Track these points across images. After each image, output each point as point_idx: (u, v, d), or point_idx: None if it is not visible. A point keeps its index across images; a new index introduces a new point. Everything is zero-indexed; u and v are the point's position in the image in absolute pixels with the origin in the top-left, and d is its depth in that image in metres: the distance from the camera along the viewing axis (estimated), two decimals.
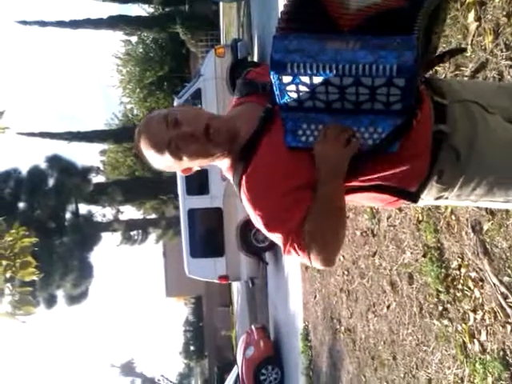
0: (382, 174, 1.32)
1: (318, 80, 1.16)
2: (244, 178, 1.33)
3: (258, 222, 1.35)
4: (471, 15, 2.59)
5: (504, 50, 2.38)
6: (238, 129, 1.36)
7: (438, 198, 1.45)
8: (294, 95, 1.22)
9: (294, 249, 1.29)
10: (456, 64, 2.78)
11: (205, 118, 1.35)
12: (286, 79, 1.18)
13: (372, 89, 1.16)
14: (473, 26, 2.59)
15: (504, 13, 2.39)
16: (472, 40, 2.60)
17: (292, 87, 1.20)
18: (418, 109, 1.27)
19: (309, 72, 1.14)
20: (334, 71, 1.13)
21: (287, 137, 1.28)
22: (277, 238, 1.33)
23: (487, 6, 2.51)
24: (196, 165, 1.41)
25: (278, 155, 1.30)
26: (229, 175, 1.42)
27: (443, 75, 2.83)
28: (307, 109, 1.25)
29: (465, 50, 2.50)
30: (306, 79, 1.16)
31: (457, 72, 2.75)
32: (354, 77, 1.13)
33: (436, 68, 2.86)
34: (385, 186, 1.35)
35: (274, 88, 1.23)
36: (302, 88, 1.19)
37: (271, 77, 1.19)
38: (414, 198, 1.39)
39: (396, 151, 1.26)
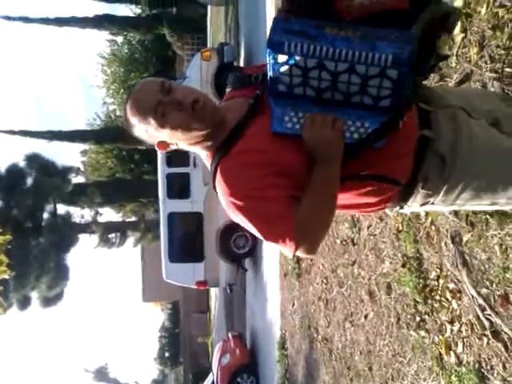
0: (365, 171, 1.31)
1: (312, 63, 1.16)
2: (223, 160, 1.31)
3: (232, 209, 1.31)
4: (457, 26, 2.60)
5: (488, 62, 2.39)
6: (225, 117, 1.35)
7: (423, 204, 1.44)
8: (287, 78, 1.22)
9: (279, 235, 1.25)
10: (441, 75, 2.79)
11: (197, 93, 1.34)
12: (281, 58, 1.17)
13: (364, 78, 1.16)
14: (459, 38, 2.60)
15: (489, 25, 2.40)
16: (457, 51, 2.61)
17: (285, 68, 1.19)
18: (406, 111, 1.27)
19: (305, 52, 1.14)
20: (330, 55, 1.13)
21: (273, 122, 1.27)
22: (253, 224, 1.30)
23: (473, 19, 2.52)
24: (175, 139, 1.36)
25: (263, 141, 1.28)
26: (208, 161, 1.40)
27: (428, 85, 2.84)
28: (297, 96, 1.25)
29: (449, 56, 2.52)
30: (301, 60, 1.16)
31: (441, 82, 2.76)
32: (349, 63, 1.14)
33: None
34: (373, 175, 1.32)
35: (268, 68, 1.22)
36: (296, 71, 1.19)
37: (266, 56, 1.19)
38: (402, 186, 1.37)
39: (381, 147, 1.25)
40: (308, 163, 1.27)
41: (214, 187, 1.35)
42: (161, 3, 18.27)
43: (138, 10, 22.99)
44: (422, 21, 1.17)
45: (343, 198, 1.37)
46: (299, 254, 1.26)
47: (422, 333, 2.91)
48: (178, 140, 1.36)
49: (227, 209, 1.33)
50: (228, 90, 1.50)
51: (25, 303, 19.75)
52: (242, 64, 10.83)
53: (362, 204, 1.43)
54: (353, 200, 1.41)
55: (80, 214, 21.09)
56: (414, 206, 1.45)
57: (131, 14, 23.07)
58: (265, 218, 1.27)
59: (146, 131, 1.34)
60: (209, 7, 18.42)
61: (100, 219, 21.89)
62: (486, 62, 2.41)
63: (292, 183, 1.27)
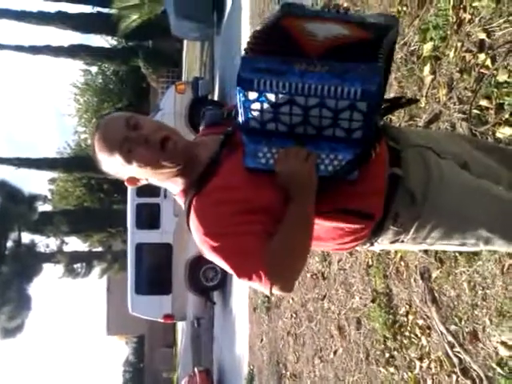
0: (341, 206, 1.31)
1: (283, 99, 1.16)
2: (195, 198, 1.29)
3: (206, 247, 1.28)
4: (427, 68, 2.69)
5: (457, 104, 2.47)
6: (196, 154, 1.34)
7: (393, 242, 1.45)
8: (258, 115, 1.22)
9: (253, 272, 1.21)
10: (410, 114, 2.87)
11: (167, 130, 1.33)
12: (252, 95, 1.18)
13: (335, 112, 1.17)
14: (428, 79, 2.69)
15: (457, 68, 2.50)
16: (427, 92, 2.70)
17: (257, 105, 1.19)
18: (377, 143, 1.29)
19: (275, 89, 1.15)
20: (300, 90, 1.14)
21: (246, 158, 1.27)
22: (228, 262, 1.26)
23: (442, 61, 2.62)
24: (144, 176, 1.35)
25: (236, 178, 1.27)
26: (180, 199, 1.38)
27: (397, 124, 2.91)
28: (269, 132, 1.25)
29: (418, 100, 2.60)
30: (271, 97, 1.16)
31: (411, 122, 2.83)
32: (319, 97, 1.14)
33: (390, 117, 2.94)
34: (349, 210, 1.32)
35: (239, 106, 1.22)
36: (267, 107, 1.19)
37: (237, 94, 1.19)
38: (377, 221, 1.36)
39: (355, 180, 1.25)
40: (284, 199, 1.26)
41: (188, 225, 1.32)
42: (137, 36, 18.42)
43: (114, 42, 23.11)
44: (385, 51, 1.20)
45: (321, 233, 1.36)
46: (275, 291, 1.22)
47: (392, 369, 2.89)
48: (147, 176, 1.35)
49: (201, 247, 1.30)
50: (202, 127, 1.50)
51: None
52: (216, 98, 10.94)
53: (340, 241, 1.42)
54: (331, 235, 1.40)
55: (45, 242, 20.61)
56: (384, 243, 1.45)
57: (107, 45, 23.16)
58: (238, 256, 1.24)
59: (114, 167, 1.33)
60: (185, 41, 18.66)
61: (66, 249, 21.41)
62: (454, 103, 2.49)
63: (268, 219, 1.25)
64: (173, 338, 24.23)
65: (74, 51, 19.71)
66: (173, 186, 1.38)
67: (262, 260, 1.20)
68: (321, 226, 1.33)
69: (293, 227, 1.24)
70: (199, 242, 1.29)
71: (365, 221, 1.35)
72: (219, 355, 9.81)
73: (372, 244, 1.46)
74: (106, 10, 19.31)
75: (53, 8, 19.19)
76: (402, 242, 1.44)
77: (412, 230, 1.40)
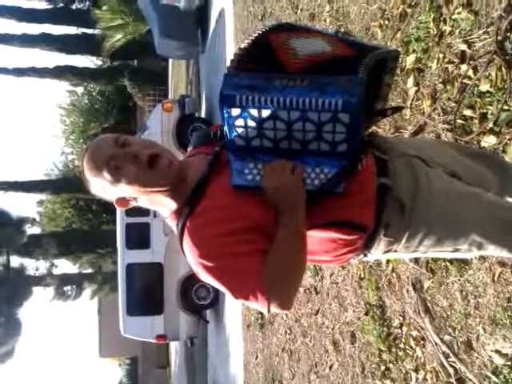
0: (331, 219, 1.30)
1: (266, 113, 1.17)
2: (189, 221, 1.27)
3: (201, 269, 1.26)
4: (410, 80, 2.73)
5: (441, 114, 2.50)
6: (187, 175, 1.33)
7: (386, 252, 1.44)
8: (243, 131, 1.22)
9: (249, 292, 1.20)
10: (396, 126, 2.89)
11: (158, 148, 1.31)
12: (235, 112, 1.19)
13: (318, 125, 1.18)
14: (412, 91, 2.72)
15: (440, 79, 2.53)
16: (411, 104, 2.73)
17: (240, 122, 1.20)
18: (363, 154, 1.29)
19: (257, 104, 1.16)
20: (282, 104, 1.15)
21: (233, 176, 1.26)
22: (224, 283, 1.25)
23: (425, 73, 2.65)
24: (133, 195, 1.32)
25: (225, 197, 1.26)
26: (172, 222, 1.36)
27: None
28: (254, 148, 1.25)
29: (403, 107, 2.63)
30: (254, 112, 1.18)
31: (397, 134, 2.86)
32: (301, 111, 1.15)
33: (376, 129, 2.97)
34: (339, 222, 1.31)
35: (223, 123, 1.23)
36: (251, 123, 1.20)
37: (220, 111, 1.20)
38: (369, 231, 1.36)
39: (342, 192, 1.25)
40: (275, 215, 1.25)
41: (182, 248, 1.30)
42: (122, 56, 18.48)
43: (99, 62, 23.17)
44: (366, 65, 1.20)
45: (314, 247, 1.35)
46: (274, 309, 1.21)
47: (388, 382, 2.88)
48: (136, 195, 1.32)
49: (196, 270, 1.28)
50: (190, 148, 1.50)
51: None
52: (203, 115, 10.96)
53: (335, 253, 1.41)
54: (324, 248, 1.39)
55: (34, 266, 20.41)
56: (377, 253, 1.44)
57: (92, 66, 23.19)
58: (234, 276, 1.23)
59: (103, 187, 1.31)
60: (170, 60, 18.75)
61: (55, 271, 21.22)
62: (438, 114, 2.52)
63: (261, 237, 1.24)
64: (166, 359, 23.92)
65: (59, 72, 19.68)
66: (163, 208, 1.37)
67: (258, 280, 1.19)
68: (313, 238, 1.32)
69: (286, 243, 1.23)
70: (194, 265, 1.28)
71: (357, 232, 1.34)
72: (213, 374, 9.69)
73: (365, 255, 1.46)
74: (90, 31, 19.38)
75: (37, 30, 19.25)
76: (395, 251, 1.44)
77: (404, 240, 1.39)
